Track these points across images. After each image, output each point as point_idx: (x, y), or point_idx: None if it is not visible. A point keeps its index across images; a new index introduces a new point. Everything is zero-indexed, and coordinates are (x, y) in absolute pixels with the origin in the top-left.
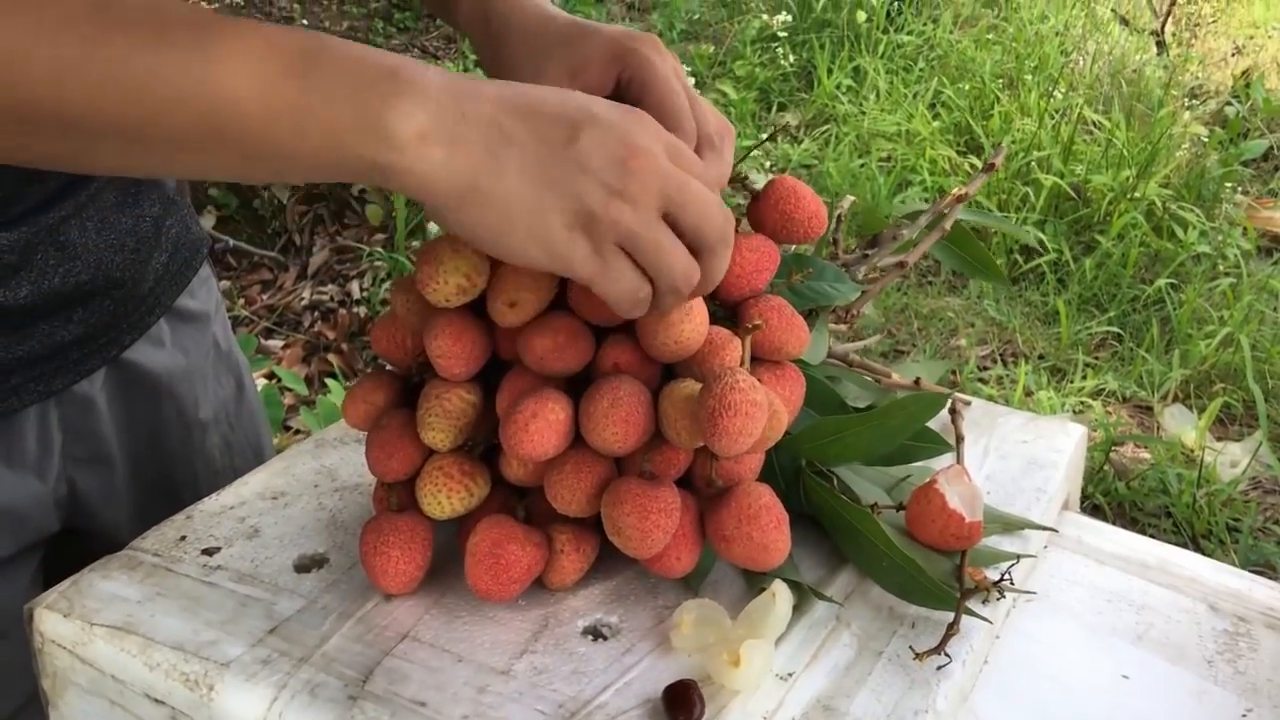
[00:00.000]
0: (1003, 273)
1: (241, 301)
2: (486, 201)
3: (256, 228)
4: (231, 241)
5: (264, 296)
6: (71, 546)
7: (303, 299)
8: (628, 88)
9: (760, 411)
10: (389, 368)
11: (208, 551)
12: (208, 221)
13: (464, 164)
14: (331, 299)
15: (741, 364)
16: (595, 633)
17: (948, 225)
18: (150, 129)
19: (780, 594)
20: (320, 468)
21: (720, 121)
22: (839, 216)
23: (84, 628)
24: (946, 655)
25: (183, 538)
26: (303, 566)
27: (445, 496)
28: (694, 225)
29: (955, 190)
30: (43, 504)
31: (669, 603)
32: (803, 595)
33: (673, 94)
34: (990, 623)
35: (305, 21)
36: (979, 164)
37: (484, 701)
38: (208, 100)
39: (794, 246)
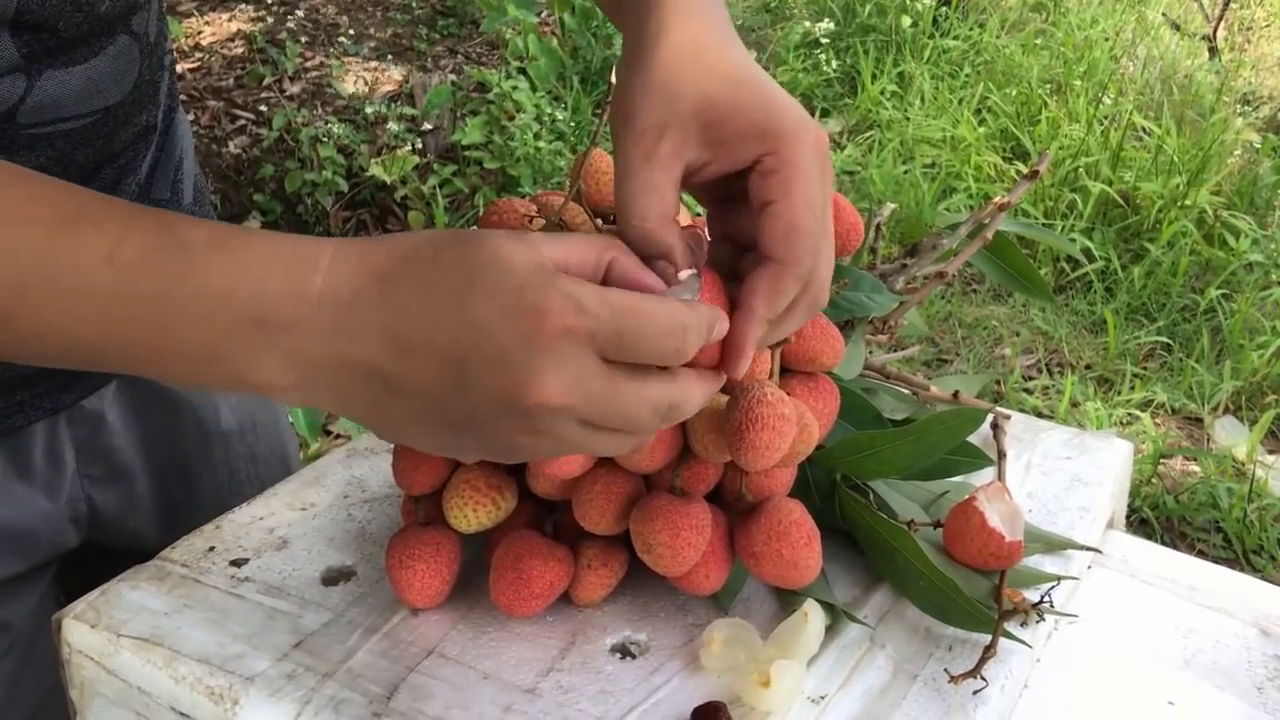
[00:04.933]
0: (1045, 285)
1: None
2: (385, 435)
3: (300, 233)
4: None
5: None
6: (96, 557)
7: None
8: (762, 180)
9: (788, 425)
10: None
11: (236, 563)
12: (252, 227)
13: (350, 411)
14: None
15: (770, 376)
16: (624, 650)
17: (989, 235)
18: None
19: (813, 614)
20: (351, 478)
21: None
22: (878, 225)
23: (111, 639)
24: (983, 679)
25: (211, 548)
26: (330, 579)
27: (472, 510)
28: (620, 429)
29: (997, 199)
30: (54, 522)
31: (699, 621)
32: (836, 615)
33: (800, 233)
34: (1030, 646)
35: (351, 30)
36: (1025, 170)
37: None
38: (59, 340)
39: None
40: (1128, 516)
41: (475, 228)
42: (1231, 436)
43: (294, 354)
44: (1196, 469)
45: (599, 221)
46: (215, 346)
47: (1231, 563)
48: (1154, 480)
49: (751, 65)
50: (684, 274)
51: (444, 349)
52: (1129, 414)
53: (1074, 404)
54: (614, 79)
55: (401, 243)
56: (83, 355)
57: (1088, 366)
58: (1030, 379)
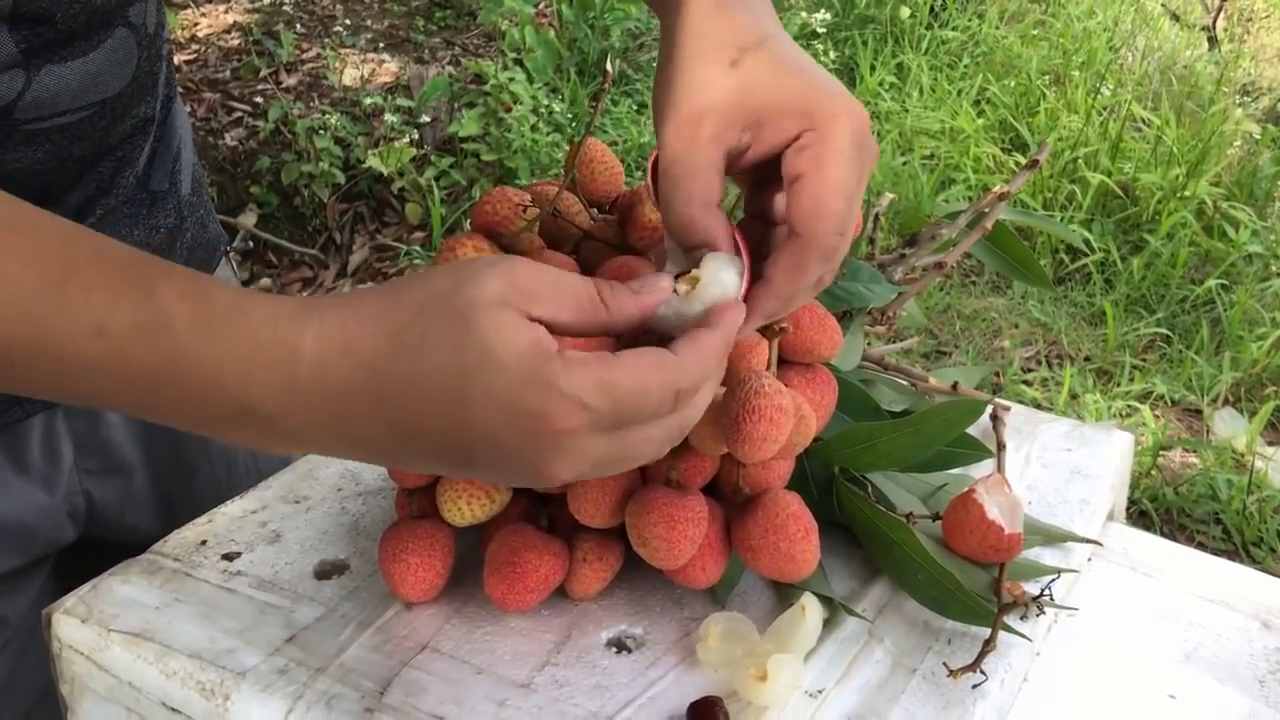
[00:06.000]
0: (1045, 274)
1: None
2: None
3: (297, 225)
4: (250, 243)
5: (305, 294)
6: (94, 552)
7: None
8: (795, 155)
9: (785, 417)
10: None
11: (228, 557)
12: (249, 219)
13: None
14: None
15: (768, 367)
16: (619, 645)
17: (989, 224)
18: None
19: (810, 607)
20: (345, 471)
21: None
22: (876, 215)
23: (101, 634)
24: (982, 673)
25: (203, 542)
26: (323, 573)
27: (465, 503)
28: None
29: (996, 188)
30: (51, 516)
31: (696, 614)
32: (834, 609)
33: (826, 211)
34: (1030, 640)
35: (348, 21)
36: (1024, 161)
37: (503, 716)
38: (58, 396)
39: None
40: (1127, 508)
41: (465, 240)
42: (1231, 428)
43: (289, 436)
44: (1196, 461)
45: (594, 211)
46: (211, 424)
47: (1231, 554)
48: (1153, 472)
49: (787, 43)
50: (719, 259)
51: (448, 442)
52: (1128, 406)
53: (1073, 396)
54: (609, 67)
55: (382, 321)
56: (86, 404)
57: (1087, 358)
58: (1029, 371)
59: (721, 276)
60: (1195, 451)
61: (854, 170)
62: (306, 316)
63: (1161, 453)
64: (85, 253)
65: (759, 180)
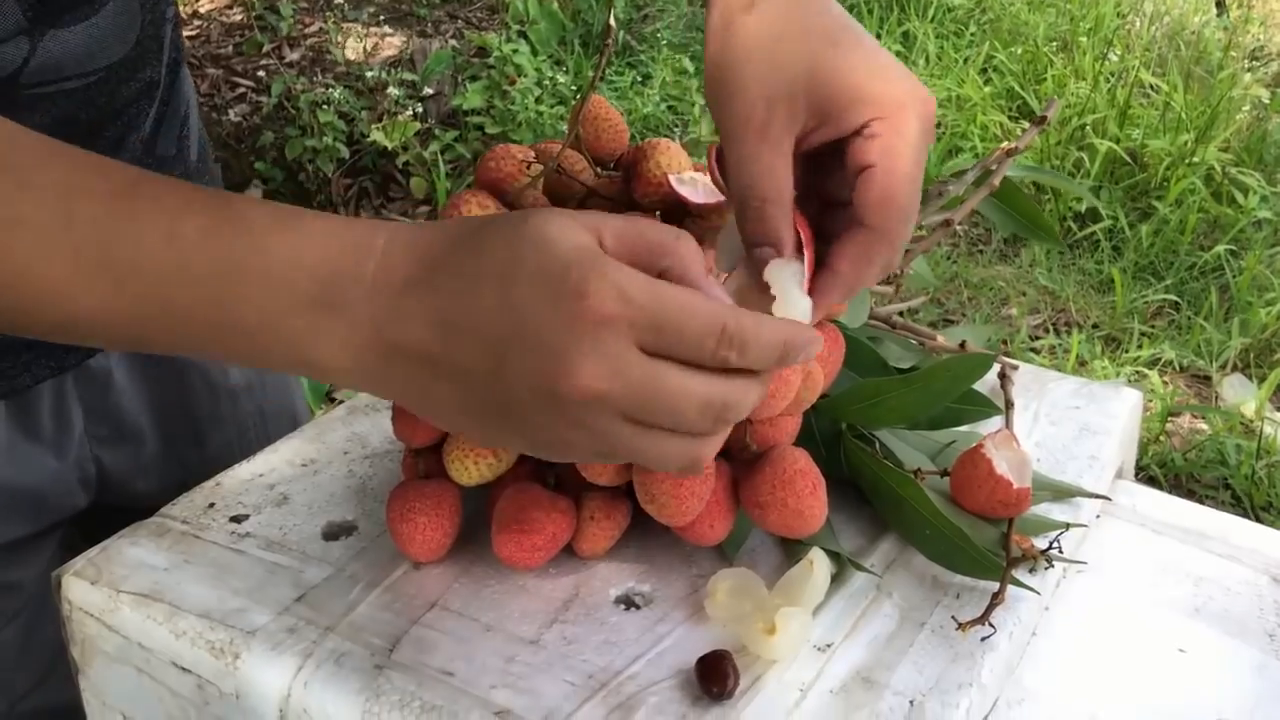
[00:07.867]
0: (1055, 229)
1: None
2: (432, 419)
3: (302, 201)
4: None
5: None
6: (105, 518)
7: None
8: (864, 143)
9: (795, 375)
10: None
11: (236, 519)
12: (254, 195)
13: (400, 399)
14: None
15: None
16: (627, 602)
17: (996, 181)
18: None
19: (818, 562)
20: (351, 434)
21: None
22: None
23: (111, 595)
24: (991, 626)
25: (211, 505)
26: (331, 534)
27: (472, 463)
28: (668, 427)
29: (1004, 145)
30: (62, 482)
31: (704, 571)
32: (842, 564)
33: (896, 203)
34: (1038, 593)
35: None
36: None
37: (512, 671)
38: (113, 316)
39: None
40: (1135, 474)
41: (469, 197)
42: (1240, 394)
43: (348, 338)
44: (1205, 426)
45: (598, 170)
46: (275, 325)
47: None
48: (1162, 438)
49: (850, 23)
50: (785, 269)
51: (488, 333)
52: (1136, 372)
53: (1081, 362)
54: (612, 22)
55: (453, 228)
56: (135, 333)
57: (1095, 325)
58: (1037, 338)
59: (793, 295)
60: (1204, 417)
61: (918, 158)
62: (381, 225)
63: (1170, 418)
64: (152, 175)
65: (813, 160)
